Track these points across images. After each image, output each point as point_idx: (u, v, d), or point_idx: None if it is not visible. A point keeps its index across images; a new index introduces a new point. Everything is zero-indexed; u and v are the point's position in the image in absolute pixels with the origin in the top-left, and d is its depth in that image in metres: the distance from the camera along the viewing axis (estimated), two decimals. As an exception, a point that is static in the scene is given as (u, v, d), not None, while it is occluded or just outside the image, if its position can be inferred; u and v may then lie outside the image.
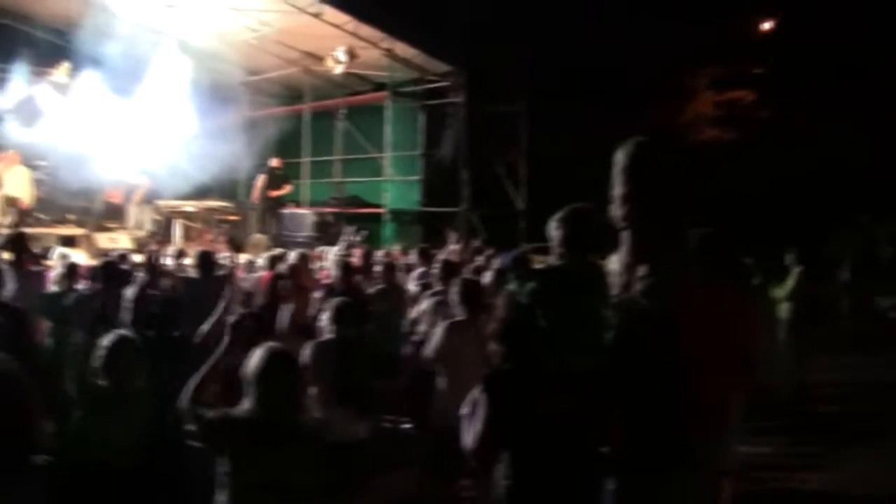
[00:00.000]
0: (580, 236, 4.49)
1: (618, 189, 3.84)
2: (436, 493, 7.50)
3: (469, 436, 4.33)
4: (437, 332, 7.28)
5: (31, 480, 3.14)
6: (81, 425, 5.37)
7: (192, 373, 5.66)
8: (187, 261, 11.07)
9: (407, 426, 9.91)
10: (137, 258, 12.13)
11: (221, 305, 7.24)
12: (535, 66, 18.69)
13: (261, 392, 4.38)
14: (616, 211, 3.86)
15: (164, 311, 6.75)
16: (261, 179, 20.56)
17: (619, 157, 3.83)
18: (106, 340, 5.47)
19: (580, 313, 4.08)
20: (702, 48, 20.99)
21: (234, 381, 4.71)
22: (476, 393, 4.37)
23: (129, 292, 7.53)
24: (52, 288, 9.45)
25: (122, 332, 5.69)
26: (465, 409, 4.44)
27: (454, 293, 7.50)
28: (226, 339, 4.91)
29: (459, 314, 7.33)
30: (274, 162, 20.83)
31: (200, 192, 20.65)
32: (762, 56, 25.62)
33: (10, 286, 7.23)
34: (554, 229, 4.61)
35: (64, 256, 10.58)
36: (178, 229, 19.64)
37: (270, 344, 4.61)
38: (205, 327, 7.02)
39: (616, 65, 17.61)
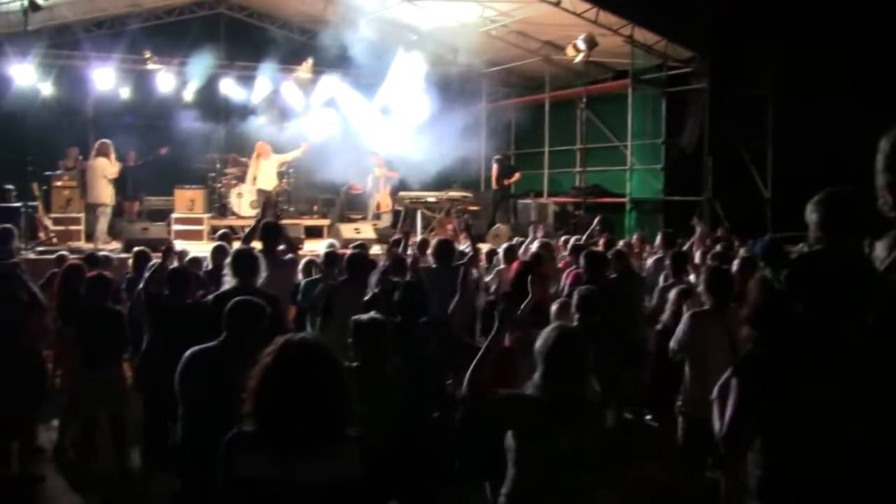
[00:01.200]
0: (839, 219, 4.27)
1: (881, 178, 3.64)
2: (683, 485, 7.34)
3: (719, 422, 4.21)
4: (683, 322, 7.11)
5: (349, 449, 3.32)
6: None
7: (437, 357, 5.74)
8: (429, 251, 11.25)
9: (648, 417, 9.77)
10: (380, 248, 12.43)
11: (461, 293, 7.31)
12: (783, 47, 17.93)
13: (551, 369, 4.47)
14: (881, 200, 3.65)
15: (408, 298, 6.87)
16: (494, 169, 20.81)
17: (883, 146, 3.63)
18: (356, 323, 5.61)
19: (840, 298, 3.88)
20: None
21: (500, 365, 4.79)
22: (727, 378, 4.24)
23: (373, 280, 7.73)
24: (300, 277, 9.80)
25: (373, 314, 5.80)
26: (714, 395, 4.33)
27: (701, 282, 7.32)
28: (497, 324, 4.93)
29: (706, 303, 7.15)
30: (500, 155, 21.07)
31: (442, 183, 21.01)
32: None
33: (264, 274, 7.50)
34: (811, 212, 4.40)
35: (331, 246, 10.98)
36: (419, 220, 20.03)
37: (561, 323, 4.67)
38: (448, 313, 7.11)
39: (872, 41, 16.49)
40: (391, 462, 5.49)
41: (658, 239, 12.20)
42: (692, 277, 9.44)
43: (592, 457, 4.47)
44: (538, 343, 4.58)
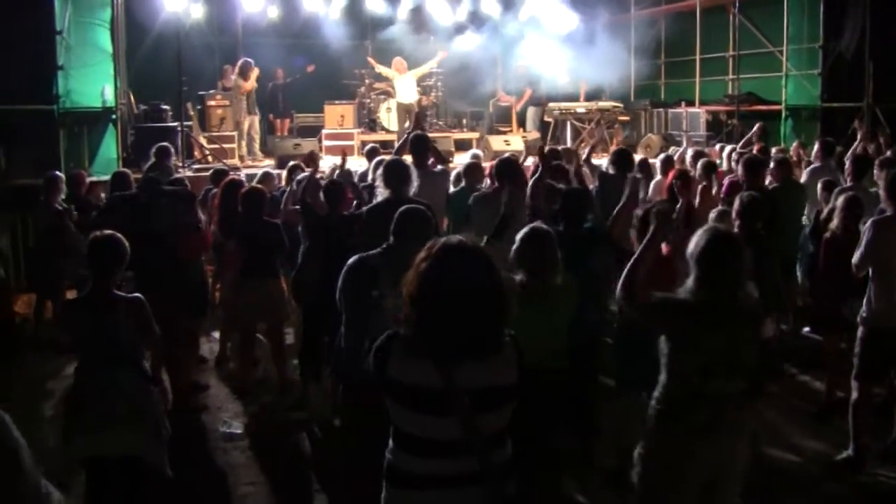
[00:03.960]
0: None
1: None
2: (847, 397, 7.14)
3: None
4: (865, 232, 6.82)
5: (507, 354, 3.27)
6: None
7: (600, 267, 5.60)
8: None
9: (806, 329, 9.52)
10: (530, 160, 12.31)
11: (624, 198, 7.18)
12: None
13: (704, 273, 4.33)
14: None
15: (569, 205, 6.76)
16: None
17: None
18: (522, 234, 5.44)
19: None
20: None
21: (657, 268, 4.67)
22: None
23: (528, 188, 7.63)
24: (452, 188, 9.78)
25: (538, 224, 5.63)
26: None
27: (882, 188, 7.02)
28: (652, 228, 4.82)
29: (887, 209, 6.86)
30: None
31: (591, 94, 20.73)
32: None
33: (415, 184, 7.49)
34: None
35: (475, 157, 10.93)
36: (569, 130, 19.84)
37: (714, 225, 4.50)
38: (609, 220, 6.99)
39: None
40: (559, 378, 5.43)
41: (815, 147, 11.70)
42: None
43: (748, 364, 4.33)
44: (690, 246, 4.43)
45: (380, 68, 19.90)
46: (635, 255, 4.65)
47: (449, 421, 3.13)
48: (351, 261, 5.31)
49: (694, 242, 4.44)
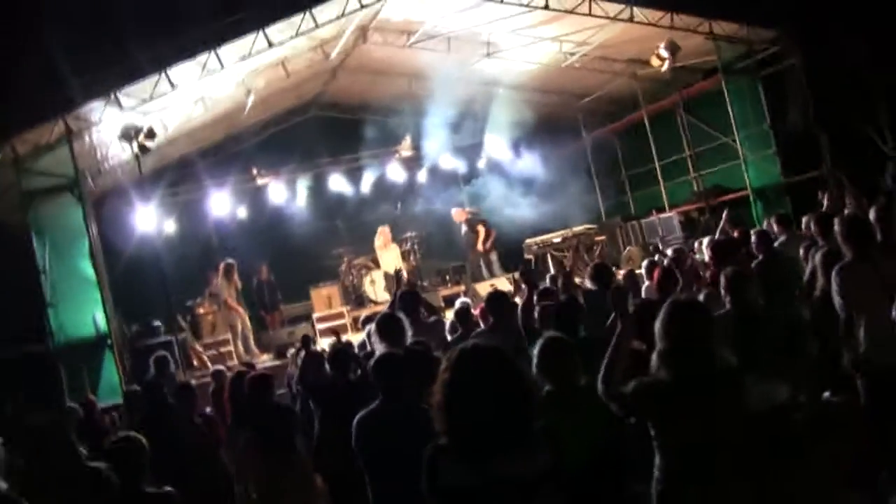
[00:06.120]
0: None
1: None
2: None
3: None
4: (833, 280, 6.91)
5: (537, 443, 3.42)
6: None
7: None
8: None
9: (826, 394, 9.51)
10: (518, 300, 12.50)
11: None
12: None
13: (668, 343, 4.35)
14: None
15: (564, 315, 6.90)
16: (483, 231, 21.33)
17: None
18: (540, 345, 5.56)
19: None
20: None
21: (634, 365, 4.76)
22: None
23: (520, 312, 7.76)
24: (449, 336, 9.90)
25: (552, 333, 5.78)
26: None
27: (839, 233, 7.11)
28: (624, 322, 4.92)
29: (846, 254, 6.98)
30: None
31: (562, 222, 21.06)
32: None
33: (409, 333, 7.61)
34: None
35: (464, 304, 11.17)
36: (550, 262, 20.07)
37: (674, 298, 4.57)
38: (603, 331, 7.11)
39: None
40: (591, 480, 5.48)
41: (775, 226, 11.88)
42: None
43: (733, 437, 4.30)
44: (657, 324, 4.47)
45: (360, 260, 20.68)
46: (610, 348, 4.72)
47: None
48: (355, 419, 5.48)
49: (658, 318, 4.48)
